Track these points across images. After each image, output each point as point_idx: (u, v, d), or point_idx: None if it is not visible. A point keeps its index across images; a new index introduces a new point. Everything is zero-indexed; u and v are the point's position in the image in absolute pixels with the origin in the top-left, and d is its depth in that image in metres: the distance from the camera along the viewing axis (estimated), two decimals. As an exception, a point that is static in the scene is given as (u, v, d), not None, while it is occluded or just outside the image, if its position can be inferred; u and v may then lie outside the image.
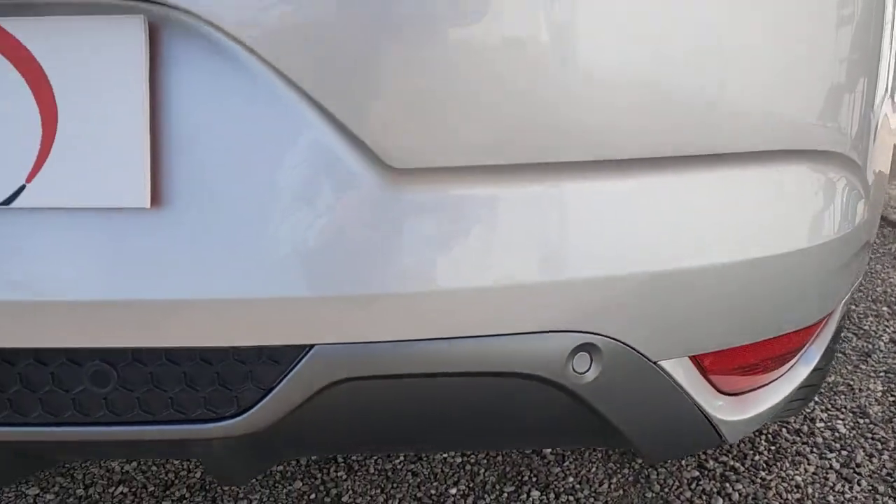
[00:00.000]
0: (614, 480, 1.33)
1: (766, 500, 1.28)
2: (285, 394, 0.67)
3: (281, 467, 1.37)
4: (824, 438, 1.43)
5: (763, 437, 1.43)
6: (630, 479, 1.33)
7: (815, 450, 1.40)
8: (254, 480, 1.33)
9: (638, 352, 0.72)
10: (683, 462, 1.37)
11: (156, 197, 0.62)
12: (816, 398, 1.56)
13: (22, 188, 0.62)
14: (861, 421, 1.49)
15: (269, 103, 0.61)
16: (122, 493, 1.32)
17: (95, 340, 0.65)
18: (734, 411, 0.84)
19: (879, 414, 1.51)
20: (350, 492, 1.31)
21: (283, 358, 0.66)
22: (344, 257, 0.63)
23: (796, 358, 0.91)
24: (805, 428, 1.47)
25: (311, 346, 0.66)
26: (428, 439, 0.79)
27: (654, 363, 0.74)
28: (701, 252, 0.71)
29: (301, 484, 1.33)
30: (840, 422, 1.48)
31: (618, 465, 1.36)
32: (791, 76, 0.71)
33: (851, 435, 1.44)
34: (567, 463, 1.37)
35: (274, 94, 0.61)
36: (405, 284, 0.65)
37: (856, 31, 0.76)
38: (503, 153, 0.63)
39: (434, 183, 0.64)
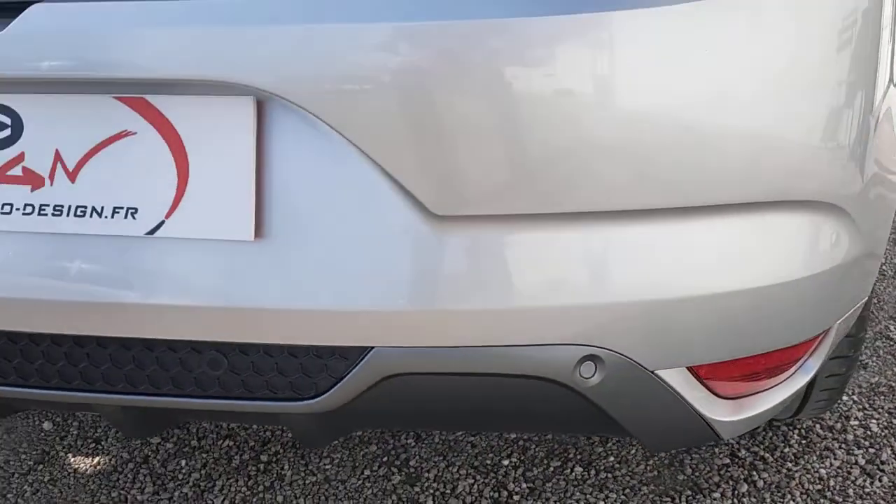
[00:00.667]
0: (650, 462, 1.48)
1: (788, 489, 1.41)
2: (351, 383, 0.86)
3: (360, 433, 1.59)
4: (855, 436, 1.54)
5: (796, 431, 1.56)
6: (665, 462, 1.49)
7: (843, 446, 1.51)
8: (336, 442, 1.55)
9: (636, 362, 0.88)
10: (716, 450, 1.51)
11: (258, 232, 0.82)
12: (855, 398, 1.66)
13: (162, 223, 0.83)
14: (895, 421, 1.59)
15: (343, 164, 0.80)
16: (228, 445, 1.57)
17: (213, 335, 0.86)
18: (730, 413, 0.99)
19: (914, 416, 1.60)
20: (417, 457, 1.52)
21: (350, 355, 0.86)
22: (398, 281, 0.82)
23: (794, 369, 1.04)
24: (839, 425, 1.58)
25: (372, 348, 0.85)
26: (463, 423, 0.97)
27: (652, 372, 0.90)
28: (691, 285, 0.87)
29: (376, 448, 1.54)
30: (874, 421, 1.59)
31: (656, 449, 1.52)
32: (779, 145, 0.84)
33: (883, 434, 1.55)
34: (609, 444, 1.53)
35: (347, 158, 0.80)
36: (445, 303, 0.83)
37: (846, 96, 0.88)
38: (518, 206, 0.80)
39: (469, 226, 0.82)
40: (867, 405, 1.64)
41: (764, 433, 1.56)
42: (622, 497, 1.41)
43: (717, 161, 0.83)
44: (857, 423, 1.59)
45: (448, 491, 1.44)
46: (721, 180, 0.84)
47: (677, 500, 1.40)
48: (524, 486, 1.44)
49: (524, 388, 0.89)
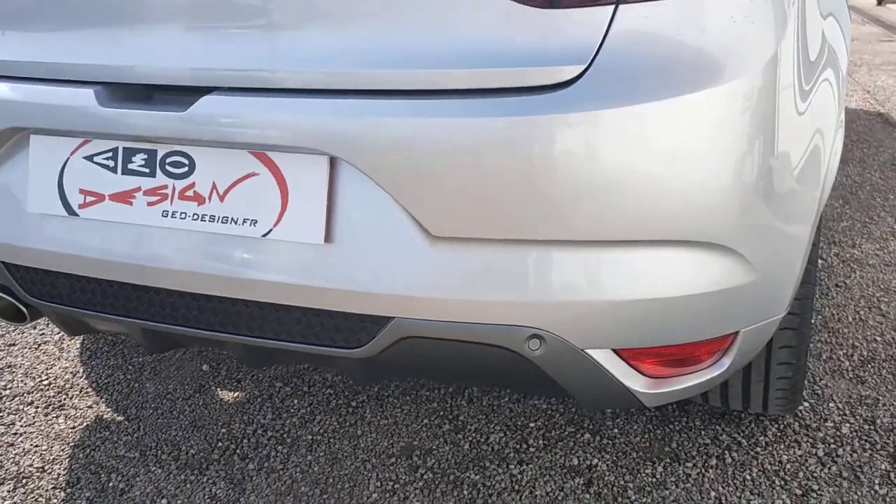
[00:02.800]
0: (646, 436, 1.87)
1: (748, 467, 1.76)
2: (380, 340, 1.34)
3: (427, 392, 2.07)
4: (825, 434, 1.85)
5: (776, 425, 1.89)
6: (658, 436, 1.87)
7: (810, 440, 1.83)
8: (407, 398, 2.04)
9: (569, 342, 1.30)
10: (702, 431, 1.87)
11: (326, 238, 1.32)
12: (840, 405, 1.96)
13: (270, 230, 1.34)
14: (866, 427, 1.88)
15: (376, 200, 1.28)
16: (328, 392, 2.09)
17: (297, 302, 1.36)
18: (651, 387, 1.39)
19: (886, 424, 1.88)
20: (465, 414, 1.98)
21: (380, 321, 1.33)
22: (407, 275, 1.29)
23: (708, 361, 1.42)
24: (815, 424, 1.89)
25: (393, 318, 1.32)
26: (456, 378, 1.42)
27: (582, 350, 1.31)
28: (610, 292, 1.28)
29: (436, 405, 2.02)
30: (848, 425, 1.88)
31: (654, 426, 1.90)
32: (678, 207, 1.23)
33: (850, 436, 1.85)
34: (618, 419, 1.93)
35: (379, 196, 1.27)
36: (438, 293, 1.29)
37: (737, 167, 1.26)
38: (487, 234, 1.25)
39: (455, 244, 1.27)
40: (848, 412, 1.94)
41: (748, 423, 1.90)
42: (614, 458, 1.81)
43: (632, 214, 1.24)
44: (831, 424, 1.89)
45: (482, 439, 1.89)
46: (633, 226, 1.25)
47: (657, 465, 1.78)
48: (541, 442, 1.87)
49: (493, 354, 1.33)
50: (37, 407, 2.12)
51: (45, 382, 2.24)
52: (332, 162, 1.31)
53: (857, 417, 1.91)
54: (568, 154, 1.21)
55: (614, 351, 1.35)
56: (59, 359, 2.36)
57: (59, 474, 1.85)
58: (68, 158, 1.48)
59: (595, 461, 1.80)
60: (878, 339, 2.27)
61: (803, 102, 1.40)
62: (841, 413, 1.93)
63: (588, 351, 1.33)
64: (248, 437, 1.95)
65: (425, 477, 1.77)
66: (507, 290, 1.28)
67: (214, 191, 1.39)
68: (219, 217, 1.38)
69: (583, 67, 1.21)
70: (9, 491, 1.80)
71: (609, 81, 1.21)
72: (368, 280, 1.31)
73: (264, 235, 1.35)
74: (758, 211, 1.31)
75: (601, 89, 1.21)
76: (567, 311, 1.29)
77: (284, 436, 1.95)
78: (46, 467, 1.88)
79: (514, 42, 1.22)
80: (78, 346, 2.43)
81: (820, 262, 2.85)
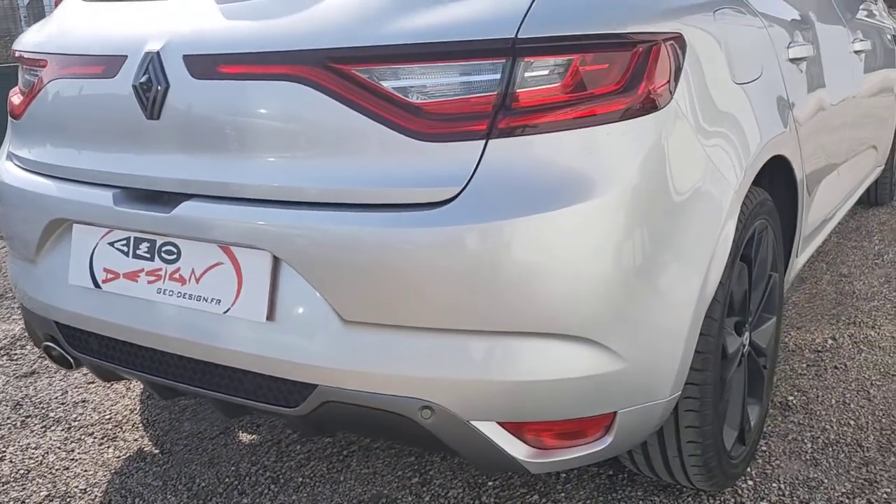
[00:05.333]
0: (588, 502, 2.05)
1: (671, 536, 1.91)
2: (309, 402, 1.64)
3: (410, 448, 2.33)
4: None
5: (714, 500, 2.02)
6: (600, 502, 2.05)
7: (738, 516, 1.96)
8: (392, 452, 2.31)
9: (454, 413, 1.55)
10: (641, 500, 2.03)
11: (269, 317, 1.64)
12: (782, 485, 2.06)
13: (229, 308, 1.68)
14: (803, 499, 1.98)
15: (302, 288, 1.59)
16: (327, 442, 2.40)
17: (246, 366, 1.69)
18: (535, 456, 1.61)
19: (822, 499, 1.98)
20: (435, 469, 2.23)
21: (308, 387, 1.63)
22: (327, 352, 1.59)
23: (593, 437, 1.62)
24: (749, 502, 2.01)
25: (317, 385, 1.62)
26: (372, 434, 1.69)
27: (466, 422, 1.56)
28: (488, 374, 1.52)
29: (413, 459, 2.28)
30: (787, 499, 2.00)
31: (598, 493, 2.08)
32: (548, 306, 1.47)
33: (780, 514, 1.96)
34: (568, 485, 2.12)
35: (303, 286, 1.58)
36: (349, 366, 1.58)
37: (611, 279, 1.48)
38: (388, 320, 1.53)
39: (364, 327, 1.56)
40: (787, 493, 2.04)
41: (687, 497, 2.04)
42: (552, 519, 2.00)
43: (498, 309, 1.49)
44: (775, 497, 2.01)
45: (443, 493, 2.13)
46: (502, 320, 1.49)
47: (588, 528, 1.96)
48: (493, 500, 2.09)
49: (397, 420, 1.60)
50: (95, 437, 2.55)
51: (107, 417, 2.68)
52: (275, 258, 1.64)
53: (794, 498, 2.02)
54: (442, 260, 1.48)
55: (499, 423, 1.58)
56: (124, 397, 2.80)
57: (96, 496, 2.25)
58: (97, 243, 1.89)
59: (533, 520, 2.00)
60: (852, 422, 2.34)
61: (671, 209, 1.57)
62: (780, 493, 2.04)
63: (473, 422, 1.57)
64: (251, 476, 2.28)
65: (381, 522, 2.04)
66: (402, 366, 1.55)
67: (193, 275, 1.74)
68: (195, 296, 1.73)
69: (459, 189, 1.48)
70: (55, 506, 2.21)
71: (481, 201, 1.48)
72: (298, 353, 1.62)
73: (225, 312, 1.69)
74: (616, 310, 1.52)
75: (474, 207, 1.48)
76: (451, 388, 1.54)
77: (279, 476, 2.27)
78: (88, 490, 2.28)
79: (403, 167, 1.51)
80: (142, 386, 2.87)
81: (830, 341, 2.91)
